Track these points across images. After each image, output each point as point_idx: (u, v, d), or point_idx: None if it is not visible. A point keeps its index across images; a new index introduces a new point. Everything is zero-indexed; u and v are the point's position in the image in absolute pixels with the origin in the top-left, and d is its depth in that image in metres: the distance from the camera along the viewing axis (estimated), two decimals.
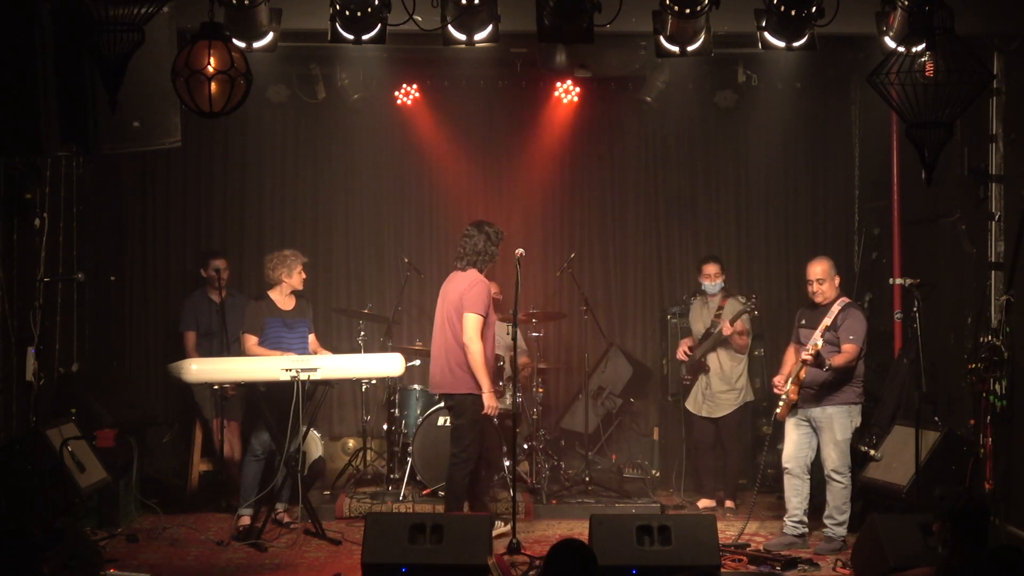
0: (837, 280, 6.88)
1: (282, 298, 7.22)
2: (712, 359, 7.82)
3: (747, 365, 7.92)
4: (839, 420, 6.71)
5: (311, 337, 7.36)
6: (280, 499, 7.21)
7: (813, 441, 6.82)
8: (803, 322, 6.95)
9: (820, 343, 6.57)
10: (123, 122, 5.62)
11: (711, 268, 7.92)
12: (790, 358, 6.96)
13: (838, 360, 6.58)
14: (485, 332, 6.61)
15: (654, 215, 9.37)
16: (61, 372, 7.42)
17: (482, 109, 9.19)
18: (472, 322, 6.56)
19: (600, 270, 9.39)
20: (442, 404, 7.63)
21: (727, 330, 7.62)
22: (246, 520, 7.07)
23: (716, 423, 7.89)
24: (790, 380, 6.73)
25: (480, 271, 6.72)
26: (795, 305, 7.93)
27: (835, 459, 6.69)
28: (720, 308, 7.83)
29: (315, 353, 7.22)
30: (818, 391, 6.71)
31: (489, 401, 6.61)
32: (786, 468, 6.86)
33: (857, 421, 6.82)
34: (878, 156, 8.73)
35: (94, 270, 7.96)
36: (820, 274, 6.84)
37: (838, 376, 6.65)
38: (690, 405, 7.95)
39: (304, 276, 7.25)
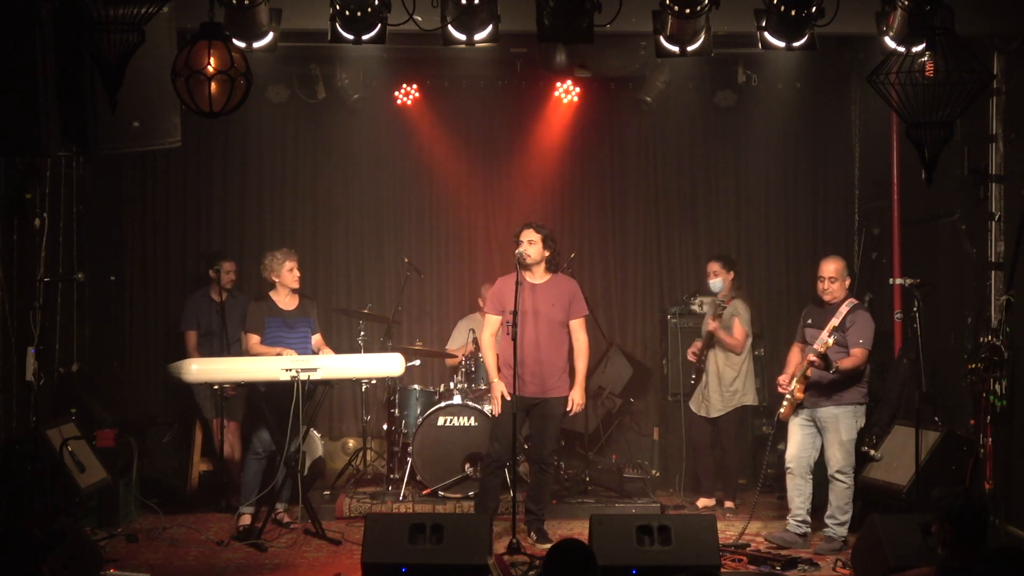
0: (848, 282, 6.87)
1: (282, 298, 7.21)
2: (710, 360, 7.81)
3: (748, 368, 7.85)
4: (845, 420, 6.71)
5: (316, 337, 7.34)
6: (280, 499, 7.20)
7: (817, 441, 6.81)
8: (809, 321, 6.92)
9: (830, 341, 6.54)
10: (123, 122, 5.61)
11: (712, 266, 7.93)
12: (794, 357, 6.94)
13: (846, 363, 6.56)
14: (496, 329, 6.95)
15: (654, 215, 9.36)
16: (61, 372, 7.41)
17: (482, 109, 9.18)
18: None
19: (600, 270, 9.38)
20: (442, 404, 7.68)
21: (711, 325, 7.64)
22: (246, 519, 7.07)
23: (714, 423, 7.88)
24: (795, 380, 6.73)
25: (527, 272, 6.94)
26: (795, 305, 7.93)
27: (840, 459, 6.69)
28: (722, 308, 7.83)
29: (320, 352, 7.23)
30: (824, 391, 6.70)
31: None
32: (789, 468, 6.85)
33: (862, 421, 6.82)
34: (878, 156, 8.71)
35: (94, 270, 7.95)
36: (833, 272, 6.81)
37: (845, 376, 6.63)
38: (692, 404, 7.96)
39: (297, 274, 7.21)
